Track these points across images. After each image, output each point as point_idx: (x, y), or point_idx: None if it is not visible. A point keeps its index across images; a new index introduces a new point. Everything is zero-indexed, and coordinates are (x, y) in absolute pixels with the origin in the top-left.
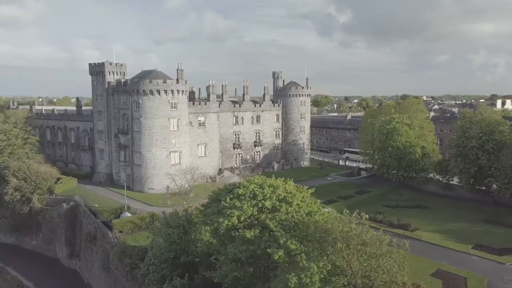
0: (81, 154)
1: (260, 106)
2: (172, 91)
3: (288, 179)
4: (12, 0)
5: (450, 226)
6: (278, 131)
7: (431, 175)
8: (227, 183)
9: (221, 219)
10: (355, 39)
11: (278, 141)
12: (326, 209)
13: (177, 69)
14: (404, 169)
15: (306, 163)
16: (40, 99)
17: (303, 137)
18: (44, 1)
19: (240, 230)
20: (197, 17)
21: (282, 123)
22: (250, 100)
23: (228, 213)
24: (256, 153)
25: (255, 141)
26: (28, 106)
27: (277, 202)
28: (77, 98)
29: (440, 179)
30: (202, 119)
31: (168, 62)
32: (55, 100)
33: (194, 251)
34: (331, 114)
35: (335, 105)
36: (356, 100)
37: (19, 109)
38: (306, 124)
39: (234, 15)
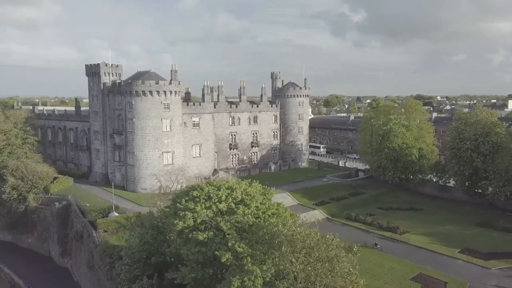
0: (80, 154)
1: (257, 106)
2: (165, 92)
3: (255, 181)
4: (29, 2)
5: (440, 229)
6: (276, 131)
7: (429, 176)
8: None
9: (176, 221)
10: (369, 39)
11: (276, 142)
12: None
13: (171, 70)
14: (400, 171)
15: (304, 164)
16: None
17: (301, 138)
18: (60, 3)
19: (194, 232)
20: (210, 18)
21: (280, 124)
22: (248, 101)
23: (181, 215)
24: (253, 154)
25: (252, 142)
26: (31, 107)
27: (233, 204)
28: (76, 99)
29: (437, 181)
30: (196, 119)
31: (181, 62)
32: (67, 100)
33: (167, 252)
34: (339, 114)
35: (346, 106)
36: (368, 100)
37: (22, 109)
38: (305, 125)
39: (247, 15)
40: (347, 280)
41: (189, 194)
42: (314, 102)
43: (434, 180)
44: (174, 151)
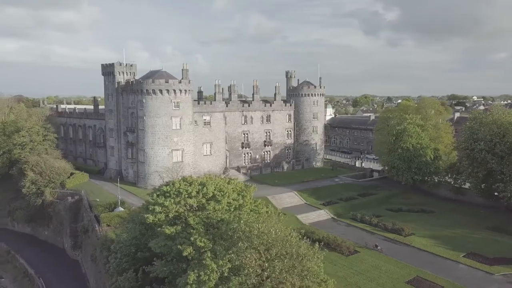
0: (98, 151)
1: (270, 105)
2: (174, 90)
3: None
4: (69, 5)
5: (448, 233)
6: (290, 131)
7: (445, 178)
8: None
9: (146, 215)
10: (403, 38)
11: (290, 141)
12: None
13: (182, 69)
14: (414, 172)
15: (318, 164)
16: (84, 99)
17: (316, 137)
18: (98, 6)
19: (163, 226)
20: (242, 18)
21: (294, 123)
22: (261, 100)
23: (150, 209)
24: (266, 153)
25: (265, 141)
26: (55, 105)
27: (203, 200)
28: (94, 98)
29: (453, 183)
30: (207, 118)
31: (214, 63)
32: (99, 99)
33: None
34: (365, 114)
35: (376, 105)
36: (399, 101)
37: (45, 108)
38: (319, 124)
39: (278, 15)
40: (307, 278)
41: (160, 189)
42: (345, 102)
43: (452, 182)
44: (184, 149)
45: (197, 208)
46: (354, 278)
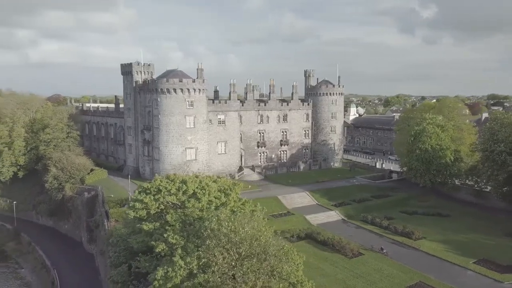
0: (118, 148)
1: (287, 105)
2: (188, 89)
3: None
4: (107, 8)
5: (461, 237)
6: (308, 130)
7: (467, 181)
8: (246, 180)
9: (128, 211)
10: (440, 35)
11: (307, 140)
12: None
13: (197, 69)
14: (432, 174)
15: (337, 164)
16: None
17: (334, 137)
18: (135, 8)
19: (143, 223)
20: (274, 18)
21: (312, 123)
22: (277, 99)
23: (131, 205)
24: (282, 152)
25: (281, 140)
26: (80, 104)
27: (183, 198)
28: (115, 96)
29: (473, 186)
30: (222, 117)
31: (246, 62)
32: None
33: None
34: (390, 114)
35: (407, 106)
36: (434, 100)
37: (70, 106)
38: (338, 123)
39: (311, 14)
40: (275, 278)
41: (142, 186)
42: (377, 101)
43: (469, 184)
44: (198, 147)
45: (180, 206)
46: (353, 281)
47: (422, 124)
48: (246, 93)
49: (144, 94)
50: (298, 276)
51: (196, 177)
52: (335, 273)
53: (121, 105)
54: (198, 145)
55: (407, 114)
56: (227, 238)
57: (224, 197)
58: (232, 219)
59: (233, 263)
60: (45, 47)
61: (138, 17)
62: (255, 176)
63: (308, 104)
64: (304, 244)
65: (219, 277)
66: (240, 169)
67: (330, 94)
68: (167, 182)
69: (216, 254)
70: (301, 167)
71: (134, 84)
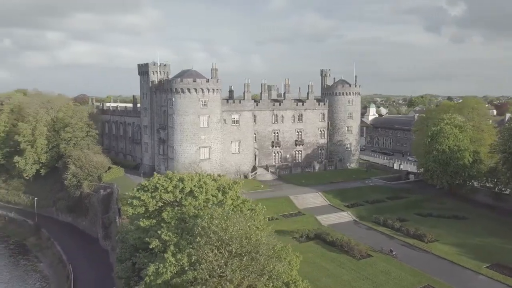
0: (135, 147)
1: (302, 104)
2: (202, 89)
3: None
4: (132, 9)
5: (476, 241)
6: (323, 130)
7: (486, 183)
8: (260, 180)
9: (126, 208)
10: (468, 34)
11: (323, 140)
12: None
13: (211, 69)
14: (450, 176)
15: (353, 165)
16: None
17: (350, 138)
18: (159, 9)
19: (140, 219)
20: (298, 18)
21: (328, 123)
22: (293, 99)
23: (129, 202)
24: (297, 152)
25: (296, 140)
26: (100, 104)
27: (179, 195)
28: (133, 96)
29: (492, 188)
30: (236, 117)
31: (269, 62)
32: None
33: None
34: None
35: (432, 106)
36: (461, 100)
37: (91, 106)
38: (354, 124)
39: (334, 13)
40: (264, 277)
41: (140, 184)
42: (401, 102)
43: (488, 186)
44: (211, 146)
45: (177, 204)
46: (358, 283)
47: (440, 125)
48: (261, 93)
49: (160, 94)
50: (292, 276)
51: (197, 176)
52: (341, 274)
53: (139, 105)
54: (212, 144)
55: (426, 114)
56: (217, 236)
57: (222, 195)
58: (225, 217)
59: (222, 261)
60: (74, 48)
61: (163, 18)
62: (268, 176)
63: (324, 104)
64: (312, 245)
65: (207, 275)
66: (254, 168)
67: (346, 93)
68: (164, 180)
69: (206, 251)
70: (316, 168)
71: (150, 84)
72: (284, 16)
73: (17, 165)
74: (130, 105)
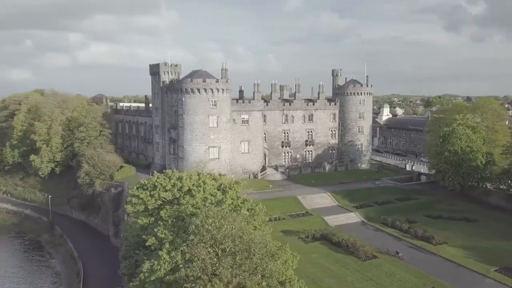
0: (147, 146)
1: (313, 104)
2: (212, 89)
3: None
4: (150, 10)
5: (485, 244)
6: (334, 130)
7: (500, 185)
8: (269, 180)
9: (126, 206)
10: (489, 33)
11: (334, 141)
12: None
13: (221, 69)
14: (461, 177)
15: (364, 166)
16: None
17: (361, 138)
18: (177, 10)
19: (139, 217)
20: (314, 18)
21: (339, 123)
22: (303, 99)
23: (128, 200)
24: (307, 153)
25: (306, 140)
26: (114, 103)
27: (178, 194)
28: (146, 96)
29: (506, 190)
30: (245, 116)
31: (285, 62)
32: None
33: None
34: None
35: (450, 106)
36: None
37: (105, 105)
38: (366, 124)
39: (351, 13)
40: (256, 275)
41: (139, 182)
42: (418, 102)
43: (508, 189)
44: (221, 146)
45: (176, 202)
46: (362, 284)
47: (452, 125)
48: (271, 93)
49: (170, 94)
50: (288, 275)
51: (196, 175)
52: (345, 275)
53: (151, 105)
54: (221, 144)
55: (438, 114)
56: (210, 234)
57: (222, 194)
58: (219, 216)
59: (215, 259)
60: (93, 49)
61: (179, 19)
62: (278, 176)
63: (335, 104)
64: (318, 245)
65: (200, 272)
66: (263, 168)
67: (358, 93)
68: (163, 179)
69: (199, 249)
70: (327, 168)
71: (161, 84)
72: (300, 16)
73: (33, 164)
74: (143, 105)
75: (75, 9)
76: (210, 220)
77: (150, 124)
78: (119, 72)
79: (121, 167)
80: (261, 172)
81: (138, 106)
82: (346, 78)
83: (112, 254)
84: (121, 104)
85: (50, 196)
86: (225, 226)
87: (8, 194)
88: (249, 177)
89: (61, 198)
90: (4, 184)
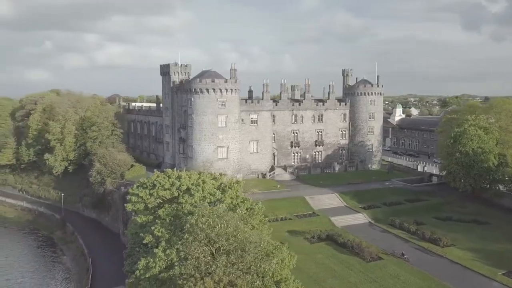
0: (158, 146)
1: (323, 104)
2: (220, 89)
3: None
4: (165, 11)
5: (494, 247)
6: (345, 131)
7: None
8: (277, 180)
9: (125, 204)
10: (510, 31)
11: (344, 141)
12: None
13: (230, 69)
14: (473, 179)
15: (375, 166)
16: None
17: (372, 138)
18: (191, 10)
19: (138, 215)
20: (329, 17)
21: (349, 123)
22: (313, 99)
23: (128, 198)
24: (317, 153)
25: (316, 141)
26: (127, 103)
27: (176, 193)
28: (157, 96)
29: None
30: (254, 116)
31: (300, 62)
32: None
33: None
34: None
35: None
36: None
37: (116, 105)
38: (376, 124)
39: (367, 12)
40: (249, 274)
41: (139, 181)
42: (435, 102)
43: None
44: (229, 146)
45: (176, 201)
46: (365, 285)
47: (464, 126)
48: (280, 93)
49: (180, 94)
50: (282, 275)
51: (196, 174)
52: (349, 276)
53: (161, 105)
54: (230, 144)
55: (451, 115)
56: (204, 233)
57: (220, 194)
58: (215, 215)
59: (209, 258)
60: (109, 50)
61: (194, 19)
62: (286, 176)
63: (346, 104)
64: (323, 246)
65: (193, 271)
66: (272, 168)
67: (368, 94)
68: (163, 178)
69: (193, 248)
70: (336, 168)
71: (171, 84)
72: (315, 16)
73: (47, 162)
74: (153, 104)
75: (91, 10)
76: (204, 219)
77: (161, 124)
78: (133, 73)
79: (132, 166)
80: (269, 172)
81: (149, 106)
82: (356, 78)
83: (121, 252)
84: (133, 104)
85: (63, 194)
86: (219, 225)
87: (24, 192)
88: (258, 177)
89: (74, 196)
90: (20, 182)
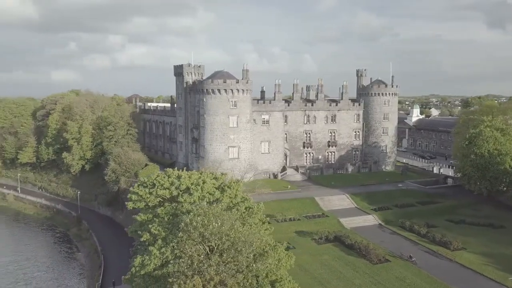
0: (172, 145)
1: (336, 105)
2: (232, 90)
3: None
4: (186, 12)
5: (508, 251)
6: (358, 131)
7: None
8: (289, 180)
9: (126, 202)
10: None
11: (358, 142)
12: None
13: (242, 70)
14: (488, 181)
15: (389, 168)
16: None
17: (386, 139)
18: (213, 11)
19: (138, 214)
20: (349, 17)
21: (363, 124)
22: (326, 99)
23: (128, 197)
24: (330, 154)
25: (329, 141)
26: (143, 103)
27: (175, 192)
28: (171, 96)
29: None
30: (266, 117)
31: (321, 62)
32: None
33: None
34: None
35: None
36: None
37: (132, 105)
38: (390, 125)
39: (388, 11)
40: (241, 274)
41: (140, 180)
42: (457, 102)
43: None
44: (240, 146)
45: (175, 200)
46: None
47: (479, 127)
48: (292, 93)
49: (193, 94)
50: (279, 275)
51: (196, 173)
52: (354, 278)
53: (176, 105)
54: (241, 144)
55: (467, 116)
56: (198, 231)
57: (220, 193)
58: (209, 214)
59: (202, 257)
60: (131, 51)
61: (215, 20)
62: (298, 177)
63: (359, 105)
64: (330, 247)
65: (185, 269)
66: (284, 169)
67: (382, 94)
68: (162, 177)
69: (187, 246)
70: (349, 169)
71: (184, 85)
72: (335, 16)
73: (65, 161)
74: (168, 105)
75: (116, 12)
76: (199, 218)
77: (175, 124)
78: (154, 73)
79: (146, 165)
80: (281, 172)
81: (164, 106)
82: (371, 79)
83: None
84: (149, 104)
85: (79, 192)
86: (213, 223)
87: (43, 190)
88: (269, 177)
89: (90, 194)
90: (39, 180)
